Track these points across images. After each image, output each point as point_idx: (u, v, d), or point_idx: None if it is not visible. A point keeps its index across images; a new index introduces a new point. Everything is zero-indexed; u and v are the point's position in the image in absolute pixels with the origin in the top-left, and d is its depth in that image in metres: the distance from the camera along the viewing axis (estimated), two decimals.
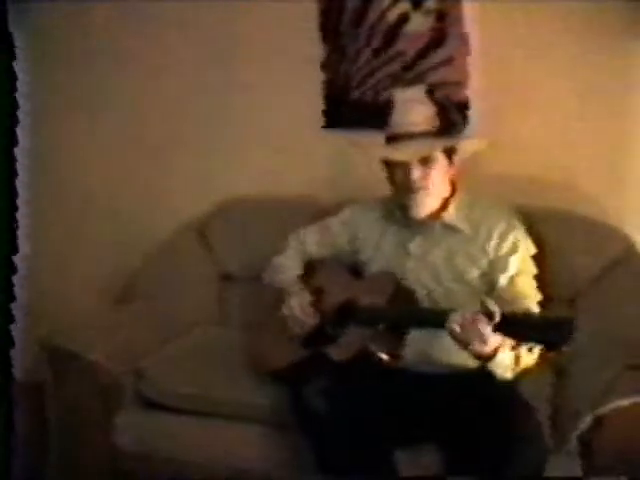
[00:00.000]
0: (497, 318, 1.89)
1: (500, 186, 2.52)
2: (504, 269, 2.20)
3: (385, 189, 2.34)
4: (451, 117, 2.28)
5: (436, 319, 2.03)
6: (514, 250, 2.22)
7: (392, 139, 2.25)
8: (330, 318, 2.29)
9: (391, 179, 2.28)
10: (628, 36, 2.49)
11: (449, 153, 2.23)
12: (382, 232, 2.36)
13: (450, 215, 2.26)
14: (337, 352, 2.19)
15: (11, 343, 2.45)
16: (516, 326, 1.90)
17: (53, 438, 2.54)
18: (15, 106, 2.45)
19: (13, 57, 2.46)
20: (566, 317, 1.89)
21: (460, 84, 2.68)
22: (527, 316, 1.98)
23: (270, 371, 2.36)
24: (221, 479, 2.37)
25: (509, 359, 2.02)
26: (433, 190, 2.23)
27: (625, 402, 2.03)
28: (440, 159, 2.21)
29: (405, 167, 2.20)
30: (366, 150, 2.36)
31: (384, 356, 2.16)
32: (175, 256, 2.93)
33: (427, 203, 2.24)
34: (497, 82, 2.64)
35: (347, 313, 2.25)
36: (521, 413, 2.04)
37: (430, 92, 2.29)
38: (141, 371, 2.50)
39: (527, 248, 2.25)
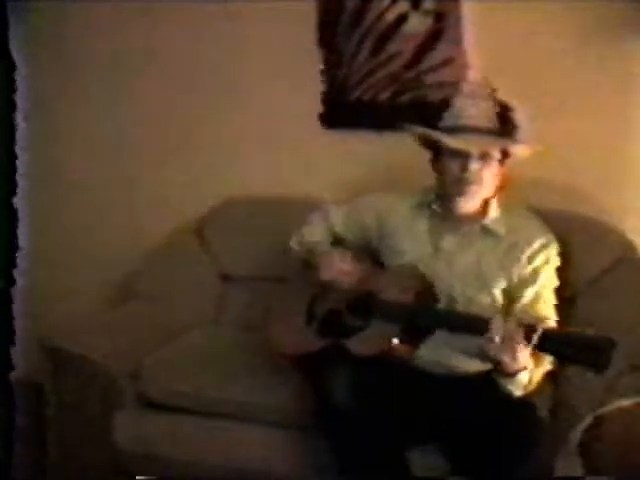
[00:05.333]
0: (538, 333, 1.87)
1: None
2: (532, 282, 2.17)
3: (385, 189, 2.33)
4: (511, 120, 2.21)
5: (477, 326, 1.97)
6: (544, 265, 2.19)
7: (452, 130, 2.20)
8: (350, 308, 2.21)
9: (441, 169, 2.23)
10: (628, 36, 2.49)
11: (503, 155, 2.20)
12: (414, 223, 2.30)
13: (491, 218, 2.23)
14: (358, 346, 2.12)
15: (11, 343, 2.46)
16: (555, 344, 1.87)
17: (53, 438, 2.54)
18: (13, 109, 2.46)
19: (12, 62, 2.47)
20: (607, 338, 1.83)
21: (458, 85, 2.67)
22: (568, 334, 1.91)
23: (288, 356, 2.31)
24: (221, 479, 2.38)
25: (526, 379, 2.01)
26: (481, 188, 2.20)
27: (625, 402, 2.04)
28: (495, 159, 2.19)
29: (463, 159, 2.16)
30: (428, 136, 2.25)
31: (398, 345, 2.10)
32: (174, 256, 2.93)
33: (475, 198, 2.22)
34: (496, 82, 2.63)
35: (370, 306, 2.16)
36: (528, 415, 2.04)
37: (494, 91, 2.25)
38: (141, 371, 2.50)
39: (556, 267, 2.23)
